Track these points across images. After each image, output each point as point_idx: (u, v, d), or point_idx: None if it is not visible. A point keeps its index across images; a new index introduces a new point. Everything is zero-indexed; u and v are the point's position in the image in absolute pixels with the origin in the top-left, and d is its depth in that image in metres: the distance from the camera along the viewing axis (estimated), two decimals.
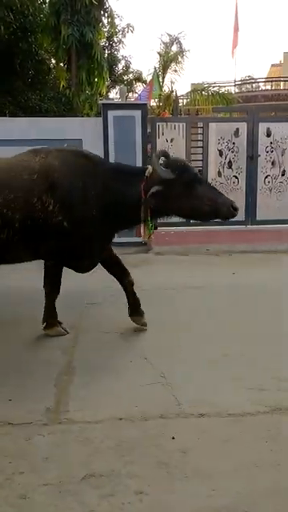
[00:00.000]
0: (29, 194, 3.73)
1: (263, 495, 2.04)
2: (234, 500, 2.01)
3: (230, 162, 8.52)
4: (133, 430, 2.56)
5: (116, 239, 8.36)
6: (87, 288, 5.65)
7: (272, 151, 8.55)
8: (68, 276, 6.20)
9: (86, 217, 3.82)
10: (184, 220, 8.37)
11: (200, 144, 8.58)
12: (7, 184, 3.76)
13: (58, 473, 2.21)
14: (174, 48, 16.96)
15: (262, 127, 8.53)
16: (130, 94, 17.91)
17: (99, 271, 6.45)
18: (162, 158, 3.80)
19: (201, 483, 2.13)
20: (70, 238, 3.83)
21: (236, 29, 24.56)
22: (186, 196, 3.77)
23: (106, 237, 4.15)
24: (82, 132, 8.17)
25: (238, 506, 1.98)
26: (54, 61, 13.10)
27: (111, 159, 8.09)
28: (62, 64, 12.55)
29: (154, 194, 3.69)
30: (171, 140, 8.45)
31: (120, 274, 4.37)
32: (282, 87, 27.01)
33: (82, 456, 2.35)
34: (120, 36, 17.27)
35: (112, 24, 13.14)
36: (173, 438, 2.47)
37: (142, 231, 4.10)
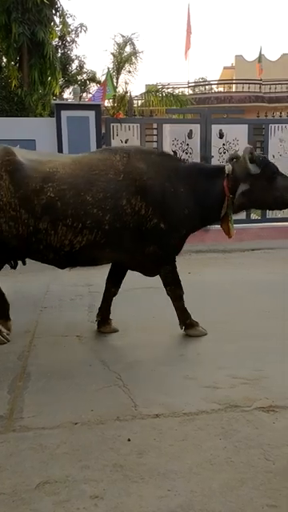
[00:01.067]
0: (117, 195, 3.64)
1: (217, 492, 2.08)
2: (188, 499, 2.04)
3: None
4: (89, 435, 2.55)
5: None
6: (43, 291, 5.58)
7: (225, 152, 8.72)
8: (22, 279, 6.11)
9: (181, 217, 3.84)
10: None
11: (154, 145, 8.63)
12: (93, 182, 3.62)
13: (11, 482, 2.16)
14: (128, 49, 16.99)
15: (215, 129, 8.70)
16: (84, 95, 17.81)
17: (57, 274, 6.38)
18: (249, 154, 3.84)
19: (156, 484, 2.14)
20: (169, 239, 3.84)
21: (189, 31, 24.94)
22: (270, 188, 3.89)
23: (187, 236, 4.12)
24: (35, 132, 8.06)
25: (193, 505, 2.00)
26: (5, 59, 12.84)
27: None
28: (13, 63, 12.32)
29: (243, 190, 3.77)
30: (126, 141, 8.46)
31: (118, 280, 4.32)
32: (234, 89, 27.61)
33: (37, 463, 2.31)
34: (73, 36, 17.17)
35: (64, 23, 13.00)
36: (129, 440, 2.48)
37: (225, 229, 4.08)
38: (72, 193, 3.56)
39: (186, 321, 4.08)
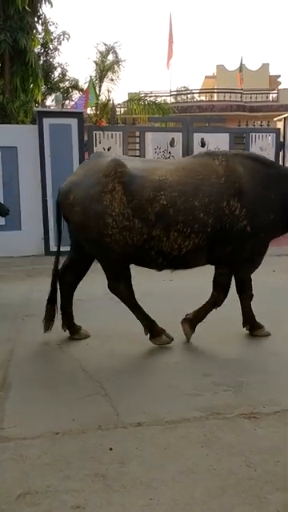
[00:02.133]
0: (219, 197, 3.71)
1: (199, 500, 2.08)
2: (170, 508, 2.03)
3: None
4: (70, 444, 2.53)
5: (55, 248, 8.28)
6: (25, 299, 5.53)
7: None
8: (4, 287, 6.05)
9: (265, 222, 3.86)
10: None
11: (137, 153, 8.69)
12: (198, 187, 3.71)
13: None
14: (110, 57, 17.06)
15: (197, 137, 8.80)
16: (67, 102, 17.79)
17: (38, 282, 6.34)
18: None
19: (138, 493, 2.13)
20: (248, 243, 3.85)
21: (170, 41, 25.11)
22: None
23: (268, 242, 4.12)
24: (17, 139, 8.04)
25: None
26: None
27: (47, 167, 8.01)
28: None
29: None
30: (108, 149, 8.50)
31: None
32: (215, 98, 27.92)
33: (18, 474, 2.28)
34: (55, 43, 17.18)
35: (46, 31, 13.01)
36: (111, 450, 2.46)
37: None
38: (182, 199, 3.67)
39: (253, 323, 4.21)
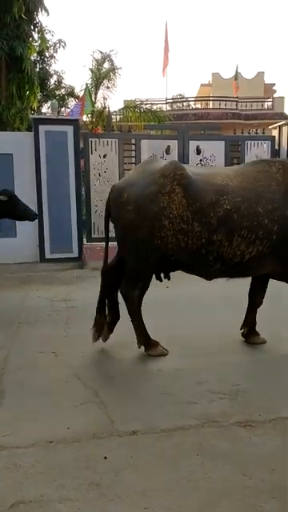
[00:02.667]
0: (283, 205, 3.72)
1: (194, 509, 2.07)
2: None
3: None
4: (65, 453, 2.51)
5: (50, 255, 8.27)
6: (20, 306, 5.51)
7: None
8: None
9: None
10: None
11: (133, 160, 8.70)
12: (261, 194, 3.71)
13: None
14: (106, 65, 17.10)
15: (193, 145, 8.83)
16: (63, 109, 17.84)
17: (33, 289, 6.32)
18: None
19: (133, 502, 2.11)
20: None
21: (166, 49, 25.32)
22: None
23: None
24: (12, 146, 8.03)
25: None
26: None
27: (43, 174, 8.01)
28: None
29: None
30: (104, 156, 8.51)
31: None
32: (211, 106, 28.08)
33: (11, 482, 2.26)
34: (52, 51, 17.22)
35: (43, 39, 13.04)
36: (105, 458, 2.44)
37: None
38: (246, 205, 3.67)
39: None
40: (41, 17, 12.32)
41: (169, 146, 8.75)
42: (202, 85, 34.45)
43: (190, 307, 5.43)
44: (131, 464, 2.40)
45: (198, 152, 8.82)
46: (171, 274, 4.18)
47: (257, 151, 9.20)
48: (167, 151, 8.73)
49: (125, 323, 4.77)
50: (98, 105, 16.32)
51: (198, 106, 28.74)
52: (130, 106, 16.52)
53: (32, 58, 13.52)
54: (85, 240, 8.46)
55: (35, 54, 15.38)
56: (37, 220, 7.98)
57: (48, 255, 8.16)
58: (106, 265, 4.19)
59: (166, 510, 2.06)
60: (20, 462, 2.43)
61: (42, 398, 3.16)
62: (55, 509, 2.08)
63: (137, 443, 2.59)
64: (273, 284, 4.24)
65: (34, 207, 7.95)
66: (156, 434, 2.69)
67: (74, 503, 2.11)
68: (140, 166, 4.16)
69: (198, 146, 8.81)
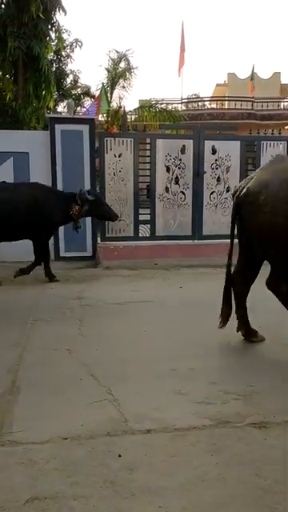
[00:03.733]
0: None
1: (208, 509, 2.06)
2: None
3: (177, 177, 8.68)
4: (79, 450, 2.52)
5: (65, 253, 8.32)
6: (34, 304, 5.54)
7: (217, 168, 8.80)
8: (13, 291, 6.07)
9: None
10: (133, 234, 8.49)
11: (148, 160, 8.69)
12: None
13: None
14: (122, 65, 17.17)
15: (208, 145, 8.77)
16: (79, 109, 17.91)
17: (47, 287, 6.36)
18: None
19: (147, 501, 2.11)
20: None
21: (182, 49, 25.28)
22: None
23: None
24: (29, 145, 8.08)
25: None
26: (0, 73, 12.93)
27: (58, 173, 8.06)
28: (8, 76, 12.40)
29: None
30: (119, 155, 8.51)
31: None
32: (226, 106, 27.96)
33: (26, 478, 2.28)
34: (68, 50, 17.32)
35: (60, 38, 13.14)
36: (119, 456, 2.45)
37: None
38: None
39: None
40: (58, 16, 12.42)
41: (184, 146, 8.72)
42: (217, 85, 34.31)
43: (204, 307, 5.41)
44: (145, 462, 2.40)
45: (214, 152, 8.76)
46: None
47: (273, 151, 9.11)
48: (182, 151, 8.70)
49: (139, 322, 4.79)
50: (114, 104, 16.39)
51: (214, 106, 28.64)
52: (146, 106, 16.56)
53: (49, 58, 13.61)
54: (99, 239, 8.48)
55: (52, 54, 15.48)
56: None
57: (63, 253, 8.20)
58: (233, 263, 4.36)
59: (180, 509, 2.06)
60: (35, 457, 2.44)
61: (57, 395, 3.18)
62: (69, 506, 2.09)
63: (151, 442, 2.59)
64: None
65: None
66: (170, 433, 2.69)
67: (88, 500, 2.12)
68: (269, 167, 4.15)
69: (213, 146, 8.76)
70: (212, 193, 8.70)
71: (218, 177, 8.81)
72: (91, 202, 6.60)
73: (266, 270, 4.17)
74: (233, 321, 4.85)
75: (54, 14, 12.29)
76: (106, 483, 2.24)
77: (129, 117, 15.32)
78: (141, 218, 8.56)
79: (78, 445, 2.57)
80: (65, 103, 17.28)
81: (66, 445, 2.57)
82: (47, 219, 6.61)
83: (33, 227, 6.54)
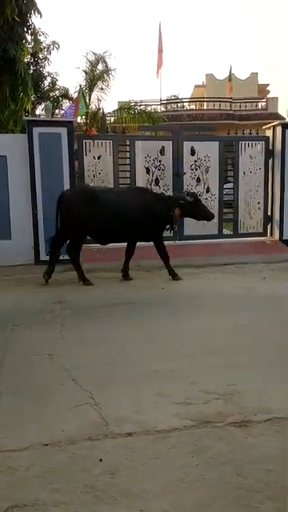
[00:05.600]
0: None
1: (189, 510, 2.06)
2: None
3: (157, 179, 8.71)
4: (59, 456, 2.50)
5: (46, 257, 8.24)
6: (14, 308, 5.49)
7: (197, 169, 8.85)
8: None
9: None
10: None
11: (127, 161, 8.69)
12: None
13: None
14: (100, 67, 17.12)
15: (187, 146, 8.82)
16: (57, 111, 17.81)
17: (28, 291, 6.29)
18: None
19: (129, 505, 2.10)
20: None
21: (160, 50, 25.40)
22: None
23: None
24: (6, 148, 8.00)
25: None
26: None
27: (37, 176, 7.99)
28: None
29: None
30: (99, 157, 8.50)
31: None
32: (205, 107, 28.15)
33: (6, 486, 2.25)
34: (45, 53, 17.20)
35: (36, 41, 13.01)
36: (100, 460, 2.43)
37: None
38: None
39: None
40: (34, 19, 12.27)
41: (163, 147, 8.75)
42: (196, 86, 34.53)
43: (187, 307, 5.43)
44: (127, 466, 2.39)
45: (193, 153, 8.81)
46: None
47: (251, 151, 9.21)
48: (162, 152, 8.73)
49: (120, 324, 4.77)
50: (92, 106, 16.34)
51: (193, 106, 28.83)
52: (125, 108, 16.55)
53: (25, 60, 13.48)
54: None
55: (29, 56, 15.35)
56: (31, 222, 8.00)
57: (43, 257, 8.11)
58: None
59: (161, 511, 2.05)
60: (14, 465, 2.41)
61: (37, 401, 3.15)
62: None
63: (132, 445, 2.58)
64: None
65: (28, 209, 7.97)
66: (151, 435, 2.68)
67: (68, 506, 2.10)
68: None
69: (192, 147, 8.81)
70: None
71: (198, 177, 8.86)
72: (189, 203, 6.82)
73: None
74: (210, 320, 4.89)
75: (30, 17, 12.15)
76: (86, 488, 2.22)
77: (108, 118, 15.30)
78: None
79: (58, 451, 2.54)
80: (43, 106, 17.18)
81: (47, 451, 2.54)
82: (155, 222, 6.86)
83: (141, 229, 6.82)
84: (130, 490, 2.20)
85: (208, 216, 7.24)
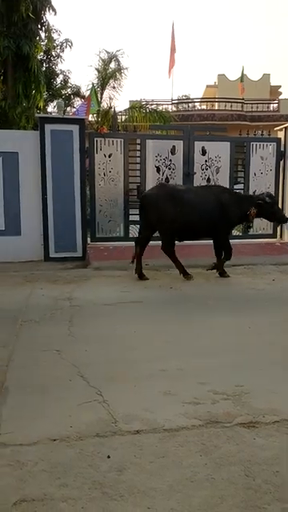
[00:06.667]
0: None
1: (197, 510, 2.05)
2: None
3: (167, 178, 8.70)
4: (68, 451, 2.50)
5: (55, 254, 8.28)
6: (23, 305, 5.51)
7: (207, 169, 8.84)
8: (1, 292, 6.02)
9: None
10: (123, 235, 8.49)
11: (138, 160, 8.69)
12: None
13: None
14: (113, 65, 17.15)
15: (198, 146, 8.81)
16: (68, 109, 17.85)
17: (37, 287, 6.32)
18: None
19: (136, 502, 2.10)
20: None
21: (173, 49, 25.33)
22: None
23: None
24: (18, 145, 8.04)
25: None
26: None
27: (48, 173, 8.02)
28: None
29: None
30: (109, 155, 8.51)
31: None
32: (216, 107, 28.07)
33: (14, 481, 2.26)
34: (58, 50, 17.25)
35: (50, 38, 13.10)
36: (108, 457, 2.44)
37: None
38: None
39: None
40: (48, 16, 12.38)
41: (174, 147, 8.74)
42: (207, 86, 34.46)
43: (195, 307, 5.42)
44: (134, 463, 2.39)
45: (204, 153, 8.80)
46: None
47: (262, 153, 9.18)
48: (172, 151, 8.72)
49: (129, 322, 4.78)
50: (104, 105, 16.35)
51: (204, 107, 28.75)
52: (136, 107, 16.54)
53: (39, 57, 13.55)
54: (89, 240, 8.46)
55: (42, 54, 15.42)
56: (41, 219, 8.04)
57: (52, 254, 8.16)
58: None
59: (169, 510, 2.05)
60: (23, 459, 2.42)
61: (46, 396, 3.16)
62: (58, 508, 2.07)
63: (140, 443, 2.58)
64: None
65: (38, 206, 8.01)
66: (159, 433, 2.68)
67: (76, 502, 2.10)
68: None
69: (203, 147, 8.79)
70: None
71: (208, 177, 8.85)
72: (268, 204, 6.96)
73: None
74: (219, 320, 4.87)
75: (44, 14, 12.25)
76: (94, 484, 2.22)
77: (119, 117, 15.31)
78: (131, 218, 8.56)
79: (66, 446, 2.55)
80: (54, 103, 17.25)
81: (55, 446, 2.55)
82: (229, 219, 6.99)
83: (216, 227, 6.92)
84: (137, 488, 2.21)
85: (282, 218, 7.32)
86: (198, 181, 8.76)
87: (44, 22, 12.48)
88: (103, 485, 2.22)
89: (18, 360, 3.82)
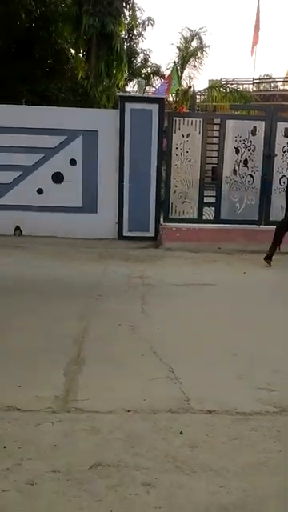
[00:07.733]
0: None
1: (271, 496, 2.03)
2: (241, 498, 2.01)
3: (245, 160, 8.45)
4: (141, 423, 2.56)
5: (128, 233, 8.39)
6: (98, 280, 5.66)
7: None
8: (78, 268, 6.22)
9: None
10: (196, 217, 8.41)
11: (216, 141, 8.51)
12: None
13: (66, 461, 2.21)
14: (194, 43, 16.90)
15: (280, 127, 8.45)
16: (147, 88, 17.84)
17: (111, 264, 6.46)
18: None
19: (208, 479, 2.12)
20: None
21: (257, 27, 24.31)
22: None
23: None
24: (98, 123, 8.15)
25: (246, 505, 1.97)
26: (73, 51, 13.06)
27: (126, 152, 8.08)
28: (80, 54, 12.52)
29: None
30: (187, 135, 8.39)
31: None
32: None
33: (90, 445, 2.36)
34: (140, 29, 17.21)
35: (133, 16, 13.11)
36: (181, 433, 2.47)
37: None
38: None
39: None
40: None
41: (255, 127, 8.45)
42: None
43: (268, 293, 5.30)
44: (207, 442, 2.41)
45: (286, 135, 8.44)
46: None
47: None
48: (253, 132, 8.43)
49: (206, 301, 4.76)
50: (184, 84, 16.15)
51: (287, 87, 27.50)
52: (216, 86, 16.19)
53: (121, 36, 13.58)
54: (162, 220, 8.47)
55: (123, 32, 15.44)
56: (117, 197, 8.16)
57: (126, 233, 8.27)
58: None
59: (242, 491, 2.05)
60: (98, 426, 2.51)
61: (119, 369, 3.25)
62: (132, 475, 2.13)
63: (212, 422, 2.59)
64: None
65: (115, 184, 8.12)
66: (232, 416, 2.67)
67: (150, 472, 2.15)
68: None
69: (286, 128, 8.43)
70: (282, 177, 8.40)
71: None
72: None
73: None
74: None
75: None
76: (167, 458, 2.26)
77: (198, 97, 15.05)
78: (205, 200, 8.45)
79: (140, 418, 2.61)
80: (134, 82, 17.28)
81: (129, 417, 2.62)
82: None
83: None
84: (209, 466, 2.22)
85: None
86: (279, 163, 8.44)
87: (128, 0, 12.47)
88: (176, 459, 2.26)
89: (92, 332, 3.95)
